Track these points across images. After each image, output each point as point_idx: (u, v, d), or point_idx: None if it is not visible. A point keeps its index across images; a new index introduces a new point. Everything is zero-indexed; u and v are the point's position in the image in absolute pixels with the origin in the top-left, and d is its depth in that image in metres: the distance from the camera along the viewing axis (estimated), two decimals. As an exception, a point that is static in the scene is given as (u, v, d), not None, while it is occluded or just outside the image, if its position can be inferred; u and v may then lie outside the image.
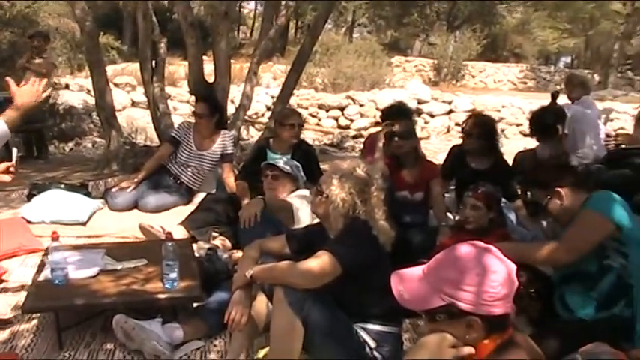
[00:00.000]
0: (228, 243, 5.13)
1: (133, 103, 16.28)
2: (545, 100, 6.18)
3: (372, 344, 3.16)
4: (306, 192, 4.92)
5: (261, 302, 3.38)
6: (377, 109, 17.04)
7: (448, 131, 17.83)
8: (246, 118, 10.25)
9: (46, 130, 10.14)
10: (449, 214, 5.55)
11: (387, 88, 20.73)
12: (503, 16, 38.29)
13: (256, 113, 16.95)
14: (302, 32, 38.90)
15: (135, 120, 13.29)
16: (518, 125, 17.72)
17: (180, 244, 4.08)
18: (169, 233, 4.12)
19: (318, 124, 18.02)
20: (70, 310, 3.86)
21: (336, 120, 18.42)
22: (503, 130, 16.95)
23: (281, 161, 5.17)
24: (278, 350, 3.02)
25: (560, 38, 39.97)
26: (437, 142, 15.25)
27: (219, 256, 4.51)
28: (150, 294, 3.75)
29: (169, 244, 3.77)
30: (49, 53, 9.41)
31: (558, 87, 26.10)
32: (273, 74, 22.19)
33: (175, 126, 7.17)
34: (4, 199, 6.64)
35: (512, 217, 5.31)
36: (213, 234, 5.30)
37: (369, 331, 3.18)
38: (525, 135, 14.53)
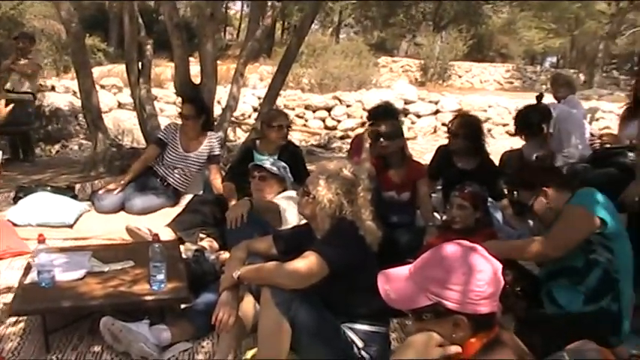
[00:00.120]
0: (215, 244, 5.14)
1: (120, 105, 16.20)
2: (531, 100, 6.21)
3: (360, 344, 3.16)
4: (293, 193, 4.93)
5: (248, 303, 3.38)
6: (364, 109, 17.00)
7: (435, 131, 17.84)
8: (232, 119, 10.24)
9: (32, 132, 10.07)
10: (436, 214, 5.57)
11: (374, 89, 20.72)
12: (489, 16, 38.44)
13: (243, 114, 16.92)
14: (288, 33, 38.89)
15: (121, 122, 13.26)
16: (504, 125, 17.75)
17: (167, 246, 4.07)
18: (156, 235, 4.13)
19: (304, 125, 17.99)
20: (57, 312, 3.86)
21: (323, 121, 18.39)
22: (489, 130, 16.98)
23: (268, 162, 5.17)
24: (266, 351, 3.02)
25: (545, 38, 40.13)
26: (424, 143, 15.26)
27: (207, 258, 4.52)
28: (137, 296, 3.75)
29: (156, 245, 3.77)
30: (35, 54, 9.37)
31: (544, 87, 26.24)
32: (259, 75, 22.15)
33: (162, 127, 7.16)
34: (-11, 201, 6.62)
35: (498, 216, 5.34)
36: (201, 235, 5.31)
37: (356, 331, 3.18)
38: (512, 135, 14.56)
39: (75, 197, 6.48)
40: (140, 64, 8.68)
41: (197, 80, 8.01)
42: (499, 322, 2.17)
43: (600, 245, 3.44)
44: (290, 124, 6.31)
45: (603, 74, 34.20)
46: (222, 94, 11.09)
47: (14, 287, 4.10)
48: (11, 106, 7.06)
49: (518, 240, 4.15)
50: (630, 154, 5.22)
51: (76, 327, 3.91)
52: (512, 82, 32.45)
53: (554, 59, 51.93)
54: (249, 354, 3.32)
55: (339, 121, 18.14)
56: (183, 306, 4.03)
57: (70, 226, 5.83)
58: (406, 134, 5.76)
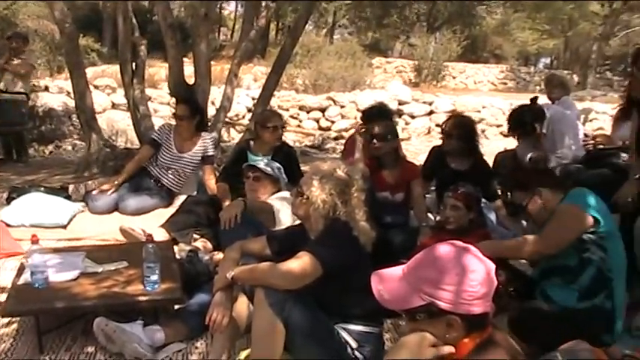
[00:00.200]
0: (209, 245, 5.14)
1: (114, 106, 16.20)
2: (525, 101, 6.24)
3: (354, 345, 3.16)
4: (287, 193, 4.92)
5: (242, 304, 3.38)
6: (358, 110, 17.00)
7: (429, 132, 17.86)
8: (226, 119, 10.23)
9: (25, 132, 10.03)
10: (429, 215, 5.58)
11: (368, 90, 20.74)
12: (483, 17, 38.55)
13: (237, 115, 16.91)
14: (283, 34, 38.93)
15: (115, 122, 13.25)
16: (498, 126, 17.78)
17: (161, 247, 4.07)
18: (150, 235, 4.13)
19: (298, 126, 18.00)
20: (51, 313, 3.85)
21: (317, 121, 18.40)
22: (483, 131, 17.01)
23: (262, 163, 5.17)
24: (259, 351, 3.02)
25: (539, 39, 40.21)
26: (417, 143, 15.28)
27: (201, 258, 4.51)
28: (131, 296, 3.74)
29: (150, 246, 3.77)
30: (28, 55, 9.33)
31: (538, 87, 26.33)
32: (253, 76, 22.16)
33: (156, 128, 7.15)
34: (-18, 202, 6.59)
35: (492, 217, 5.35)
36: (195, 236, 5.30)
37: (350, 332, 3.18)
38: (506, 135, 14.58)
39: (68, 198, 6.47)
40: (134, 64, 8.67)
41: (191, 81, 8.00)
42: (492, 322, 2.18)
43: (593, 244, 3.48)
44: (284, 124, 6.31)
45: (597, 75, 34.28)
46: (216, 94, 11.09)
47: (7, 288, 4.08)
48: None
49: (512, 239, 4.16)
50: (623, 155, 5.24)
51: (69, 328, 3.91)
52: (506, 83, 32.52)
53: (548, 60, 52.07)
54: (243, 354, 3.32)
55: (333, 122, 18.16)
56: (176, 306, 4.02)
57: (64, 227, 5.82)
58: (400, 135, 5.76)
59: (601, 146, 5.80)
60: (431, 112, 18.61)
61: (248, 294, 3.33)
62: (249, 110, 16.90)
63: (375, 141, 5.27)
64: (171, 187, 6.38)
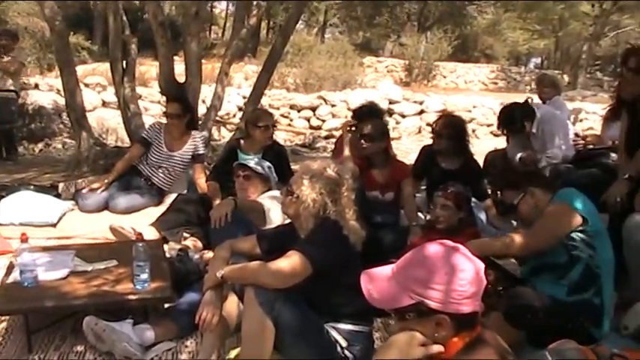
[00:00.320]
0: (199, 244, 5.13)
1: (104, 104, 16.12)
2: (515, 100, 6.28)
3: (343, 344, 3.17)
4: (277, 192, 4.93)
5: (232, 303, 3.39)
6: (348, 109, 16.97)
7: (419, 131, 17.86)
8: (217, 118, 10.22)
9: (15, 130, 9.99)
10: (420, 214, 5.58)
11: (359, 89, 20.72)
12: (473, 17, 38.62)
13: (228, 114, 16.87)
14: (274, 32, 38.86)
15: (105, 120, 13.19)
16: (489, 125, 17.80)
17: (151, 245, 4.07)
18: (140, 234, 4.13)
19: (289, 125, 17.97)
20: (40, 312, 3.85)
21: (308, 120, 18.38)
22: (474, 131, 17.04)
23: (253, 161, 5.17)
24: (249, 350, 3.02)
25: (530, 39, 40.31)
26: (408, 143, 15.28)
27: (191, 257, 4.51)
28: (120, 295, 3.74)
29: (140, 245, 3.77)
30: (18, 52, 9.30)
31: (529, 87, 26.41)
32: (244, 74, 22.12)
33: (146, 126, 7.14)
34: (-28, 200, 6.56)
35: (482, 216, 5.37)
36: (185, 235, 5.29)
37: (340, 331, 3.19)
38: (496, 135, 14.65)
39: (58, 196, 6.44)
40: (124, 62, 8.64)
41: (182, 79, 7.99)
42: (481, 321, 2.18)
43: (582, 242, 3.54)
44: (275, 123, 6.31)
45: (587, 75, 34.38)
46: (206, 93, 11.06)
47: (-4, 286, 4.08)
48: None
49: (500, 237, 4.19)
50: (613, 155, 5.27)
51: (58, 327, 3.90)
52: (496, 83, 32.57)
53: (539, 60, 52.19)
54: (233, 353, 3.32)
55: (323, 121, 18.13)
56: (166, 305, 4.03)
57: (54, 225, 5.80)
58: (391, 134, 5.76)
59: (591, 146, 5.83)
60: (421, 112, 18.60)
61: (238, 293, 3.33)
62: (239, 109, 16.85)
63: (362, 141, 5.28)
64: (161, 186, 6.37)
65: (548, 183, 3.98)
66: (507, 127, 6.00)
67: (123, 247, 4.45)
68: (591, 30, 34.05)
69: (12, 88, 8.97)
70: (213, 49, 28.73)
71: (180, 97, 6.93)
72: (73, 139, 10.07)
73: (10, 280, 3.86)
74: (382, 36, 40.01)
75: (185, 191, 6.43)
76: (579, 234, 3.54)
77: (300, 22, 13.69)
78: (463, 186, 4.58)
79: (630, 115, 4.53)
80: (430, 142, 5.82)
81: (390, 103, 18.32)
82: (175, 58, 8.25)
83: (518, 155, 5.92)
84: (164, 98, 8.08)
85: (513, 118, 5.90)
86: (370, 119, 5.46)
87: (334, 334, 3.17)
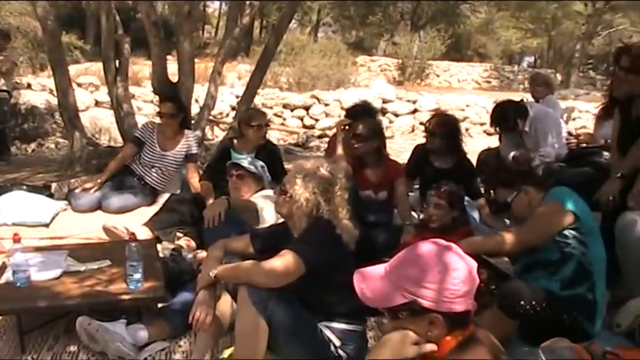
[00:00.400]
0: (192, 243, 5.13)
1: (97, 103, 16.10)
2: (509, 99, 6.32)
3: (337, 343, 3.17)
4: (270, 192, 4.93)
5: (225, 302, 3.39)
6: (342, 108, 16.96)
7: (413, 130, 17.87)
8: (210, 117, 10.22)
9: (7, 130, 9.95)
10: (413, 213, 5.58)
11: (352, 88, 20.74)
12: (467, 16, 38.65)
13: (221, 113, 16.85)
14: (267, 32, 38.86)
15: (98, 120, 13.16)
16: (482, 124, 17.81)
17: (144, 245, 4.07)
18: (133, 234, 4.13)
19: (282, 124, 17.96)
20: (33, 312, 3.84)
21: (301, 119, 18.38)
22: (467, 129, 17.07)
23: (246, 161, 5.17)
24: (243, 350, 3.02)
25: (523, 38, 40.41)
26: (401, 142, 15.27)
27: (184, 257, 4.51)
28: (114, 295, 3.73)
29: (133, 244, 3.76)
30: (10, 52, 9.27)
31: (522, 86, 26.45)
32: (237, 74, 22.10)
33: (139, 126, 7.13)
34: (-35, 200, 6.54)
35: (475, 215, 5.37)
36: (178, 234, 5.29)
37: (333, 330, 3.19)
38: (489, 134, 14.69)
39: (51, 196, 6.42)
40: (117, 62, 8.63)
41: (175, 79, 7.97)
42: (474, 320, 2.19)
43: (574, 239, 3.58)
44: (268, 123, 6.31)
45: (580, 74, 34.49)
46: (199, 92, 11.06)
47: (-11, 287, 4.07)
48: None
49: (493, 234, 4.21)
50: (605, 154, 5.29)
51: (51, 327, 3.90)
52: (489, 82, 32.64)
53: (532, 59, 52.37)
54: (227, 353, 3.32)
55: (317, 120, 18.13)
56: (160, 305, 4.03)
57: (46, 226, 5.79)
58: (385, 133, 5.76)
59: (584, 145, 5.85)
60: (415, 111, 18.61)
61: (231, 292, 3.34)
62: (233, 108, 16.84)
63: (353, 141, 5.29)
64: (154, 186, 6.37)
65: (541, 182, 4.00)
66: (500, 124, 6.04)
67: (116, 247, 4.44)
68: (584, 29, 34.15)
69: (4, 87, 8.94)
70: (206, 48, 28.71)
71: (174, 97, 6.93)
72: (65, 139, 10.04)
73: (3, 280, 3.84)
74: (375, 35, 40.04)
75: (178, 191, 6.43)
76: (571, 231, 3.58)
77: (293, 21, 13.71)
78: (456, 185, 4.58)
79: (623, 114, 4.54)
80: (423, 141, 5.83)
81: (384, 102, 18.32)
82: (168, 57, 8.23)
83: (512, 154, 5.94)
84: (157, 98, 8.07)
85: (506, 116, 5.92)
86: (363, 118, 5.46)
87: (328, 333, 3.17)
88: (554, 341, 3.04)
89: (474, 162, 6.12)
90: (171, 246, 4.95)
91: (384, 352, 2.14)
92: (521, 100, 6.19)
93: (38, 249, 4.50)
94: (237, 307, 3.09)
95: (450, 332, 2.09)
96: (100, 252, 4.34)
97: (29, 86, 14.89)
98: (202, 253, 4.68)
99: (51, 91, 13.27)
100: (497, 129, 6.18)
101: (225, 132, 10.69)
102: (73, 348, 3.71)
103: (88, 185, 6.25)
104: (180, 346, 3.79)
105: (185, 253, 4.66)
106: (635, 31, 34.56)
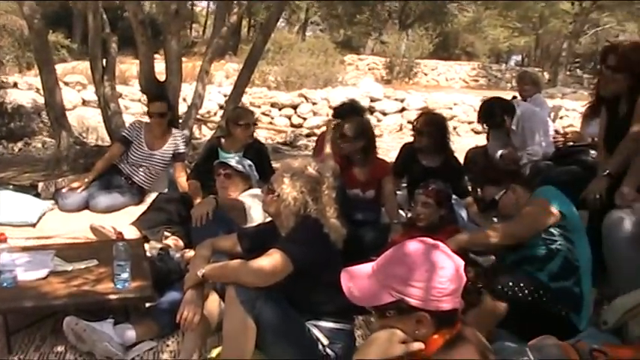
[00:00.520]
0: (180, 242, 5.11)
1: (84, 102, 16.08)
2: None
3: (325, 341, 3.17)
4: (258, 191, 4.92)
5: (213, 301, 3.38)
6: (330, 107, 16.98)
7: (400, 129, 17.92)
8: (198, 116, 10.20)
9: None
10: (401, 212, 5.59)
11: (340, 87, 20.79)
12: (454, 14, 38.72)
13: (208, 112, 16.86)
14: (255, 30, 38.82)
15: (86, 119, 13.13)
16: (469, 123, 17.90)
17: (131, 244, 4.05)
18: (120, 233, 4.11)
19: (270, 123, 17.99)
20: (19, 312, 3.83)
21: (289, 118, 18.41)
22: (455, 128, 17.15)
23: (234, 160, 5.16)
24: (231, 349, 3.02)
25: (510, 37, 40.53)
26: (389, 140, 15.32)
27: (172, 256, 4.50)
28: (101, 295, 3.72)
29: (120, 244, 3.75)
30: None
31: (509, 85, 26.52)
32: (225, 73, 22.10)
33: (127, 125, 7.11)
34: (-50, 200, 6.51)
35: (463, 213, 5.39)
36: (166, 234, 5.27)
37: (321, 329, 3.19)
38: (477, 132, 14.74)
39: (38, 196, 6.39)
40: (104, 60, 8.60)
41: (162, 77, 7.96)
42: (461, 318, 2.19)
43: (561, 236, 3.65)
44: (256, 122, 6.30)
45: (567, 73, 34.68)
46: (187, 91, 11.05)
47: (-25, 287, 4.04)
48: None
49: (478, 230, 4.24)
50: (592, 152, 5.31)
51: (38, 327, 3.88)
52: (477, 80, 32.75)
53: (519, 58, 52.51)
54: (215, 352, 3.32)
55: (305, 119, 18.18)
56: (147, 305, 4.01)
57: (33, 225, 5.76)
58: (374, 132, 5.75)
59: (571, 143, 5.87)
60: (403, 109, 18.67)
61: (219, 292, 3.33)
62: (220, 107, 16.86)
63: (340, 141, 5.29)
64: (142, 185, 6.35)
65: (529, 181, 4.04)
66: (487, 121, 6.06)
67: (103, 246, 4.42)
68: (571, 28, 34.28)
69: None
70: (194, 47, 28.64)
71: (163, 96, 6.91)
72: (52, 138, 9.99)
73: (-11, 280, 3.83)
74: (363, 34, 40.11)
75: (166, 190, 6.41)
76: (557, 228, 3.65)
77: (281, 20, 13.73)
78: (444, 183, 4.59)
79: (609, 113, 4.57)
80: (411, 139, 5.84)
81: (372, 100, 18.39)
82: (156, 56, 8.22)
83: (499, 152, 5.96)
84: (144, 97, 8.05)
85: (493, 112, 5.96)
86: (350, 117, 5.46)
87: (316, 332, 3.17)
88: (541, 339, 3.06)
89: (462, 160, 6.14)
90: (159, 245, 4.94)
91: (371, 350, 2.15)
92: (514, 97, 6.21)
93: (25, 249, 4.48)
94: (225, 307, 3.08)
95: (438, 331, 2.10)
96: (88, 252, 4.33)
97: (15, 85, 14.86)
98: (190, 253, 4.67)
99: (38, 90, 13.24)
100: (485, 126, 6.21)
101: (213, 131, 10.68)
102: (60, 348, 3.69)
103: (75, 185, 6.22)
104: (168, 346, 3.78)
105: (173, 252, 4.65)
106: (621, 29, 34.76)
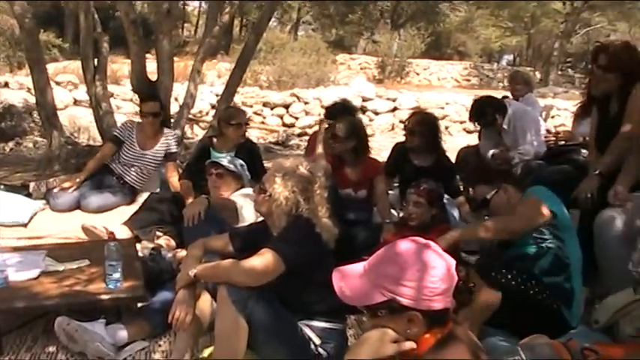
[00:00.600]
0: (172, 242, 5.11)
1: (76, 102, 16.04)
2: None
3: (317, 341, 3.17)
4: (250, 190, 4.92)
5: (205, 301, 3.38)
6: (322, 106, 16.98)
7: (392, 129, 17.93)
8: (190, 116, 10.19)
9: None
10: (392, 211, 5.59)
11: (332, 86, 20.79)
12: (446, 14, 38.77)
13: (200, 112, 16.84)
14: (246, 30, 38.80)
15: (77, 119, 13.09)
16: (461, 122, 17.93)
17: (123, 244, 4.06)
18: (112, 233, 4.10)
19: (262, 122, 17.98)
20: (11, 313, 3.81)
21: (281, 118, 18.41)
22: (447, 127, 17.18)
23: (225, 159, 5.16)
24: (223, 349, 3.01)
25: (502, 36, 40.59)
26: (381, 140, 15.30)
27: (164, 256, 4.50)
28: (93, 295, 3.72)
29: (112, 244, 3.75)
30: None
31: (501, 84, 26.56)
32: (217, 72, 22.06)
33: (118, 125, 7.10)
34: (-59, 200, 6.48)
35: (455, 213, 5.40)
36: (158, 233, 5.26)
37: (313, 328, 3.19)
38: (469, 132, 14.76)
39: (29, 196, 6.37)
40: (96, 60, 8.58)
41: (154, 77, 7.94)
42: (453, 317, 2.20)
43: (551, 235, 3.69)
44: (248, 121, 6.29)
45: (559, 72, 34.75)
46: (179, 91, 11.03)
47: (-34, 287, 4.03)
48: None
49: (469, 226, 4.27)
50: (583, 151, 5.33)
51: (30, 328, 3.87)
52: (469, 80, 32.77)
53: (511, 57, 52.58)
54: (207, 352, 3.32)
55: (297, 119, 18.17)
56: (139, 305, 4.00)
57: (24, 225, 5.74)
58: (367, 132, 5.76)
59: (562, 142, 5.89)
60: (395, 109, 18.68)
61: (211, 291, 3.33)
62: (212, 107, 16.83)
63: (331, 141, 5.30)
64: (133, 185, 6.34)
65: (520, 181, 4.07)
66: (478, 119, 6.09)
67: (95, 246, 4.41)
68: (562, 27, 34.36)
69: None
70: (186, 46, 28.60)
71: (155, 96, 6.91)
72: (44, 138, 9.96)
73: (-20, 280, 3.82)
74: (355, 33, 40.13)
75: (158, 190, 6.40)
76: (548, 227, 3.69)
77: (272, 19, 13.72)
78: (436, 183, 4.60)
79: (600, 112, 4.59)
80: (403, 139, 5.84)
81: (364, 100, 18.40)
82: (147, 55, 8.21)
83: (491, 152, 5.98)
84: (136, 96, 8.03)
85: (484, 111, 5.99)
86: (342, 117, 5.46)
87: (308, 331, 3.17)
88: (532, 338, 3.07)
89: (454, 160, 6.15)
90: (151, 245, 4.93)
91: (362, 350, 2.15)
92: (504, 97, 6.23)
93: (16, 249, 4.48)
94: (217, 306, 3.08)
95: (429, 330, 2.10)
96: (79, 252, 4.32)
97: (7, 85, 14.82)
98: (182, 252, 4.66)
99: (29, 90, 13.20)
100: (476, 124, 6.23)
101: (205, 131, 10.66)
102: (51, 348, 3.68)
103: (66, 184, 6.20)
104: (159, 346, 3.77)
105: (165, 252, 4.65)
106: (612, 29, 34.87)
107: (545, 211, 3.67)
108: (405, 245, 2.15)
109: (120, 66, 17.40)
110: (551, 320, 3.47)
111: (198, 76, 9.00)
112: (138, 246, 4.78)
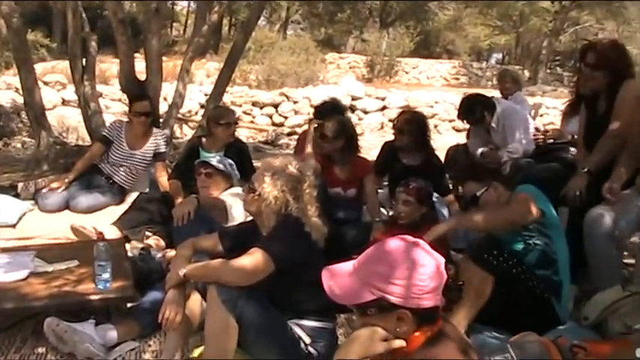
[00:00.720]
0: (162, 242, 5.11)
1: (64, 102, 15.98)
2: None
3: (307, 340, 3.17)
4: (239, 189, 4.92)
5: (195, 301, 3.38)
6: (311, 106, 16.98)
7: (382, 127, 17.94)
8: (179, 116, 10.17)
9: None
10: (382, 210, 5.60)
11: (321, 85, 20.80)
12: (435, 13, 38.83)
13: (189, 111, 16.81)
14: (235, 29, 38.76)
15: (66, 119, 13.05)
16: (450, 121, 17.96)
17: (112, 245, 4.05)
18: (101, 233, 4.11)
19: (252, 122, 17.96)
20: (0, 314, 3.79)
21: (270, 117, 18.40)
22: (436, 126, 17.20)
23: (215, 159, 5.16)
24: (213, 349, 3.01)
25: (491, 35, 40.63)
26: (371, 139, 15.31)
27: (153, 256, 4.50)
28: (82, 295, 3.71)
29: (101, 244, 3.74)
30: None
31: (490, 83, 26.63)
32: (206, 72, 22.04)
33: (107, 125, 7.07)
34: None
35: (444, 211, 5.40)
36: (147, 233, 5.26)
37: (303, 327, 3.19)
38: (458, 130, 14.79)
39: (17, 196, 6.34)
40: (84, 60, 8.55)
41: (142, 77, 7.92)
42: (442, 315, 2.20)
43: (538, 232, 3.73)
44: (237, 121, 6.29)
45: (547, 71, 34.85)
46: (168, 90, 11.00)
47: (-45, 289, 4.01)
48: None
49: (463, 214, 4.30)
50: (572, 149, 5.35)
51: (19, 329, 3.85)
52: (458, 79, 32.82)
53: (500, 56, 52.63)
54: (197, 352, 3.32)
55: (286, 118, 18.17)
56: (129, 305, 3.99)
57: (13, 226, 5.72)
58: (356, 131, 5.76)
59: (551, 141, 5.91)
60: (384, 108, 18.70)
61: (201, 291, 3.32)
62: (201, 106, 16.77)
63: (319, 140, 5.31)
64: (123, 185, 6.32)
65: (509, 179, 4.09)
66: (467, 116, 6.13)
67: (84, 246, 4.41)
68: (551, 26, 34.45)
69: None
70: (175, 46, 28.58)
71: (145, 95, 6.89)
72: (32, 138, 9.92)
73: (-31, 282, 3.80)
74: (344, 32, 40.16)
75: (147, 190, 6.38)
76: (535, 225, 3.73)
77: (261, 18, 13.70)
78: (425, 181, 4.61)
79: (588, 110, 4.61)
80: (392, 138, 5.85)
81: (353, 99, 18.40)
82: (136, 55, 8.18)
83: (480, 150, 6.00)
84: (125, 96, 8.01)
85: (473, 108, 6.02)
86: (331, 117, 5.46)
87: (298, 330, 3.17)
88: (522, 336, 3.08)
89: (443, 158, 6.17)
90: (140, 245, 4.93)
91: (352, 349, 2.16)
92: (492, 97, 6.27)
93: (5, 250, 4.47)
94: (207, 306, 3.08)
95: (419, 328, 2.11)
96: (68, 252, 4.31)
97: (-6, 85, 14.73)
98: (171, 252, 4.65)
99: (17, 90, 13.13)
100: (465, 121, 6.26)
101: (194, 130, 10.65)
102: (41, 349, 3.66)
103: (55, 185, 6.18)
104: (149, 346, 3.76)
105: (154, 252, 4.65)
106: (600, 28, 35.00)
107: (535, 209, 3.69)
108: (394, 243, 2.15)
109: (108, 66, 17.34)
110: (541, 311, 3.49)
111: (187, 75, 8.98)
112: (127, 246, 4.77)
